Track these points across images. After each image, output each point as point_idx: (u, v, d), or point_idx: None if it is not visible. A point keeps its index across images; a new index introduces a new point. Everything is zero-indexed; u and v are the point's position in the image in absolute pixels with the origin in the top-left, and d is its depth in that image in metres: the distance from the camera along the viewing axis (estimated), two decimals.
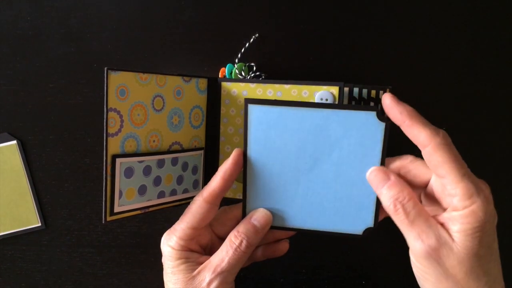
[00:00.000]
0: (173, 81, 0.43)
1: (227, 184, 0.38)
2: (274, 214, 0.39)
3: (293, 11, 0.50)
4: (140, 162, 0.41)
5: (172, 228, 0.40)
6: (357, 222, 0.39)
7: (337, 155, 0.38)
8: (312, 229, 0.40)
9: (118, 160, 0.38)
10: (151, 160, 0.42)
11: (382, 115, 0.36)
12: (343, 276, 0.52)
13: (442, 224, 0.33)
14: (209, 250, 0.42)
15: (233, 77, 0.48)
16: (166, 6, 0.50)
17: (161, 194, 0.43)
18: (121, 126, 0.39)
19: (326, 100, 0.44)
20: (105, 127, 0.38)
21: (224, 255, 0.38)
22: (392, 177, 0.35)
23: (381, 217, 0.39)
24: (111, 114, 0.38)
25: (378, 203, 0.38)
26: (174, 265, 0.39)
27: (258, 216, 0.39)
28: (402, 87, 0.47)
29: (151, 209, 0.43)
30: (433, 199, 0.36)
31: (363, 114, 0.36)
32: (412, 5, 0.49)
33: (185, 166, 0.45)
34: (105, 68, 0.37)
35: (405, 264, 0.52)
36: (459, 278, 0.32)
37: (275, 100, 0.38)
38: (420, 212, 0.33)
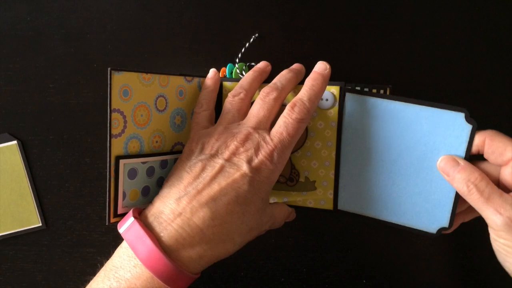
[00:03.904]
0: (176, 81, 0.43)
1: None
2: (353, 198, 0.40)
3: (293, 11, 0.50)
4: (144, 163, 0.40)
5: None
6: (432, 220, 0.39)
7: (421, 151, 0.38)
8: (386, 220, 0.40)
9: (121, 162, 0.38)
10: (154, 161, 0.42)
11: (470, 117, 0.37)
12: (343, 276, 0.52)
13: None
14: None
15: (233, 77, 0.49)
16: (166, 6, 0.50)
17: None
18: (125, 127, 0.39)
19: (327, 100, 0.44)
20: (108, 128, 0.37)
21: None
22: (462, 162, 0.36)
23: (457, 222, 0.39)
24: (114, 115, 0.37)
25: (456, 203, 0.38)
26: None
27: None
28: (402, 87, 0.47)
29: None
30: None
31: (452, 114, 0.37)
32: (412, 5, 0.49)
33: None
34: (109, 69, 0.37)
35: (405, 263, 0.53)
36: None
37: (370, 92, 0.39)
38: (493, 189, 0.34)
